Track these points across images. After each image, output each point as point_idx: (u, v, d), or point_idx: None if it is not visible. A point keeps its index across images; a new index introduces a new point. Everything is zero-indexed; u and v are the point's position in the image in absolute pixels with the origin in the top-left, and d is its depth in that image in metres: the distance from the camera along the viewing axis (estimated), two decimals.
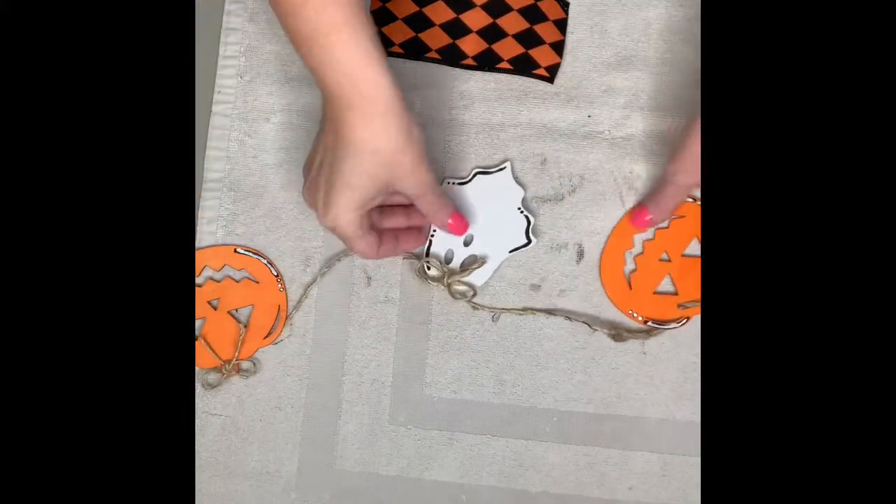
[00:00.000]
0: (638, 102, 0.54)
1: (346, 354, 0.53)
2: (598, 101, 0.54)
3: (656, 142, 0.54)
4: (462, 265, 0.53)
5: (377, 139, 0.43)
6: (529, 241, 0.53)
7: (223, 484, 0.53)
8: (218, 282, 0.54)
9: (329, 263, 0.54)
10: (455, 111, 0.55)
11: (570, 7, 0.55)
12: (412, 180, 0.45)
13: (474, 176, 0.53)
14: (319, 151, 0.46)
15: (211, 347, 0.53)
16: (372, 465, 0.52)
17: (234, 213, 0.55)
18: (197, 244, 0.54)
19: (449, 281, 0.52)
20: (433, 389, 0.53)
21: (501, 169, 0.53)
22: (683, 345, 0.52)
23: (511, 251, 0.53)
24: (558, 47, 0.54)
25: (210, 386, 0.53)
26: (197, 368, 0.53)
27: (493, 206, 0.53)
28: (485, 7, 0.54)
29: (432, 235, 0.53)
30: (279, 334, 0.53)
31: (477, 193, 0.53)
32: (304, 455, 0.53)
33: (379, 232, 0.49)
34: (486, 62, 0.54)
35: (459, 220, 0.51)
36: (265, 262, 0.54)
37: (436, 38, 0.54)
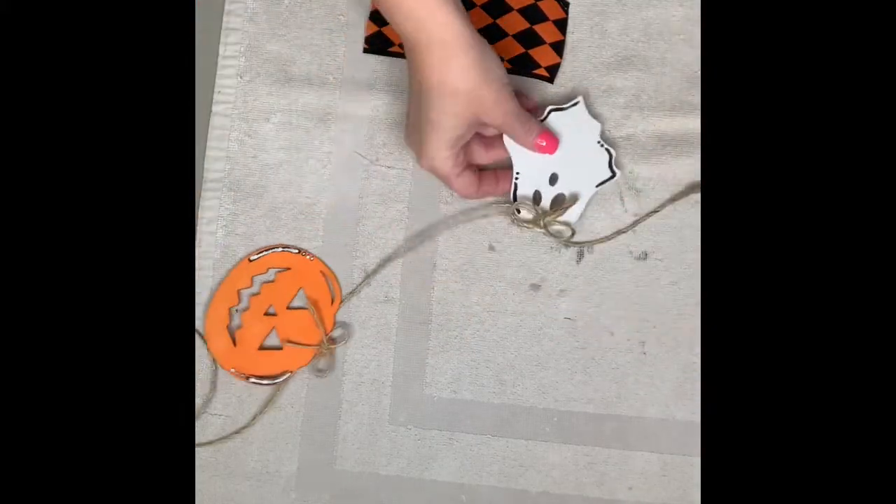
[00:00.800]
0: (638, 102, 0.54)
1: (346, 354, 0.53)
2: (597, 101, 0.54)
3: (656, 142, 0.54)
4: (552, 205, 0.53)
5: (455, 80, 0.45)
6: (614, 174, 0.52)
7: (223, 484, 0.53)
8: (258, 295, 0.54)
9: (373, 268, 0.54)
10: None
11: (570, 7, 0.55)
12: (496, 112, 0.47)
13: (549, 114, 0.53)
14: (412, 99, 0.49)
15: (299, 343, 0.53)
16: (372, 465, 0.52)
17: (234, 213, 0.55)
18: (197, 244, 0.54)
19: (545, 221, 0.52)
20: (433, 389, 0.53)
21: (575, 104, 0.53)
22: (683, 345, 0.52)
23: (598, 185, 0.52)
24: (558, 47, 0.54)
25: (323, 372, 0.53)
26: (301, 367, 0.53)
27: (573, 143, 0.52)
28: (485, 7, 0.54)
29: (517, 178, 0.52)
30: (340, 300, 0.53)
31: (554, 132, 0.53)
32: (304, 455, 0.53)
33: (479, 173, 0.51)
34: None
35: (550, 139, 0.51)
36: (280, 249, 0.54)
37: None
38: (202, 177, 0.55)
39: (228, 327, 0.53)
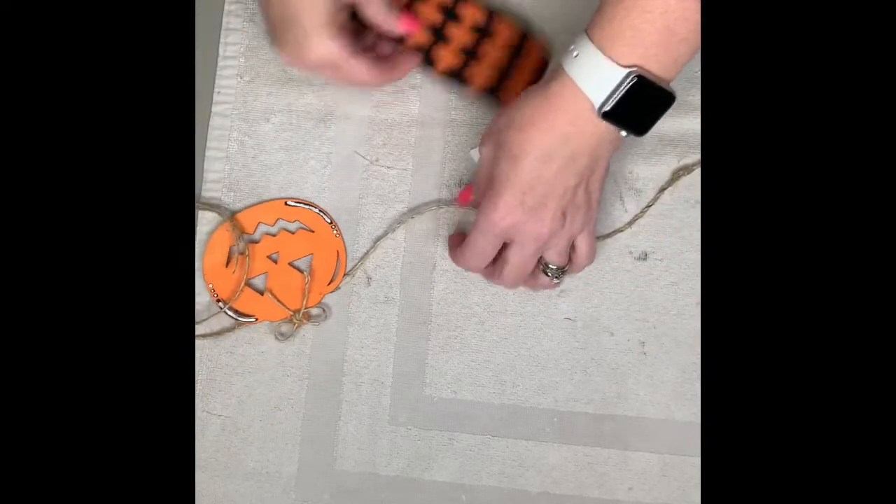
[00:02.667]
0: None
1: (346, 354, 0.53)
2: None
3: (656, 142, 0.54)
4: None
5: None
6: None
7: (223, 484, 0.53)
8: (274, 236, 0.54)
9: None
10: (455, 111, 0.55)
11: (571, 7, 0.55)
12: None
13: None
14: (271, 5, 0.46)
15: (278, 299, 0.53)
16: (372, 465, 0.52)
17: (234, 213, 0.55)
18: (197, 244, 0.54)
19: None
20: (433, 389, 0.53)
21: None
22: (683, 345, 0.52)
23: None
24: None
25: (284, 336, 0.53)
26: (268, 322, 0.53)
27: None
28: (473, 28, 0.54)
29: None
30: (341, 280, 0.53)
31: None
32: (303, 455, 0.53)
33: (373, 54, 0.49)
34: (457, 77, 0.53)
35: (409, 20, 0.50)
36: (317, 210, 0.54)
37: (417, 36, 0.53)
38: (202, 177, 0.55)
39: (231, 248, 0.53)
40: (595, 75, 0.42)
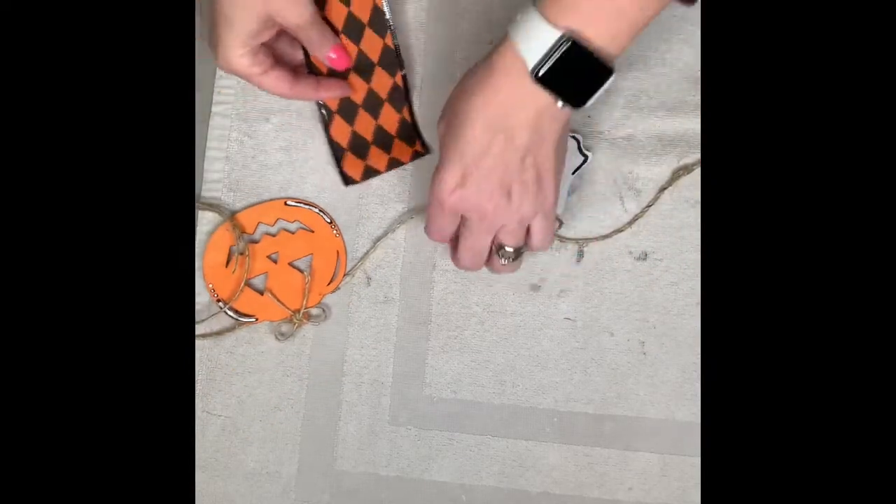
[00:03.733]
0: (638, 102, 0.54)
1: (346, 354, 0.53)
2: (597, 101, 0.54)
3: (656, 142, 0.54)
4: None
5: None
6: (587, 157, 0.52)
7: (223, 484, 0.53)
8: (273, 236, 0.54)
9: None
10: None
11: None
12: (288, 13, 0.46)
13: None
14: (204, 10, 0.47)
15: (278, 299, 0.53)
16: (372, 465, 0.52)
17: (234, 213, 0.55)
18: (197, 244, 0.54)
19: None
20: (433, 390, 0.53)
21: None
22: (683, 345, 0.52)
23: (574, 172, 0.52)
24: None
25: (284, 336, 0.53)
26: (268, 322, 0.53)
27: None
28: (340, 111, 0.53)
29: None
30: (341, 280, 0.53)
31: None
32: (303, 455, 0.53)
33: (294, 70, 0.50)
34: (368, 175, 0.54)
35: (342, 53, 0.50)
36: (317, 210, 0.54)
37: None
38: (202, 177, 0.55)
39: (231, 248, 0.53)
40: (532, 37, 0.41)
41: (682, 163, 0.54)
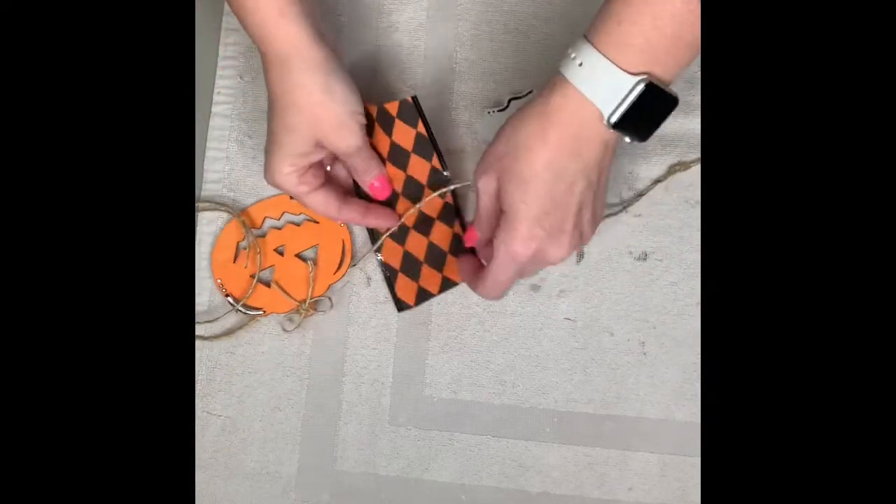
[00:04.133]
0: None
1: (346, 355, 0.53)
2: None
3: (656, 142, 0.54)
4: None
5: (295, 93, 0.45)
6: None
7: (223, 484, 0.53)
8: (280, 229, 0.54)
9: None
10: (455, 112, 0.55)
11: (572, 7, 0.55)
12: (337, 138, 0.46)
13: (509, 102, 0.54)
14: (267, 117, 0.48)
15: (285, 291, 0.53)
16: (372, 465, 0.52)
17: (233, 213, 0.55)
18: (197, 244, 0.54)
19: None
20: (433, 390, 0.53)
21: (530, 92, 0.54)
22: (683, 345, 0.52)
23: None
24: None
25: (292, 324, 0.53)
26: (275, 314, 0.53)
27: None
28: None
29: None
30: (347, 269, 0.54)
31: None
32: (303, 455, 0.53)
33: (345, 194, 0.50)
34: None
35: (384, 183, 0.51)
36: None
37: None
38: (202, 177, 0.55)
39: (238, 244, 0.54)
40: (603, 84, 0.40)
41: (679, 159, 0.54)
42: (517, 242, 0.43)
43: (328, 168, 0.51)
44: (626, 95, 0.40)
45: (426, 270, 0.52)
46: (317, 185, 0.48)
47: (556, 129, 0.41)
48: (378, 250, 0.52)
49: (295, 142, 0.46)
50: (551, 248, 0.43)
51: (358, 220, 0.51)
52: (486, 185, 0.44)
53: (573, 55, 0.41)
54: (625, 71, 0.40)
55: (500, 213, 0.44)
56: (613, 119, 0.41)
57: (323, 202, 0.49)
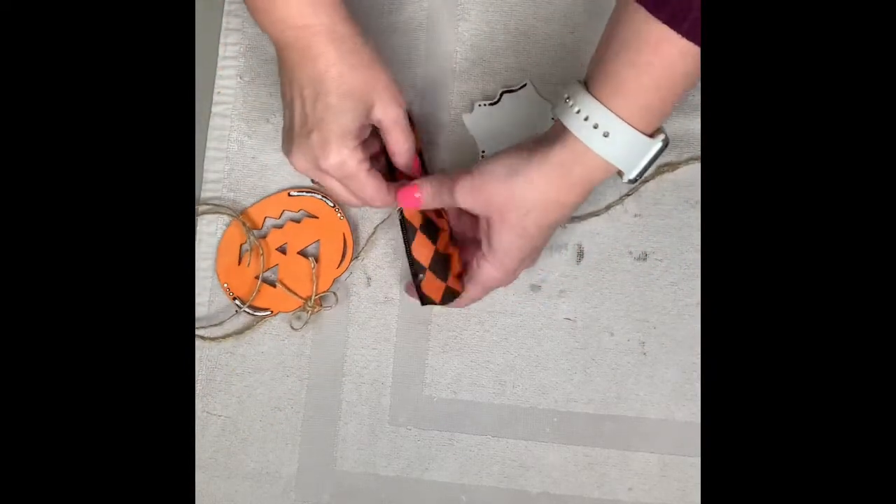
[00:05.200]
0: None
1: (346, 355, 0.53)
2: None
3: None
4: None
5: (339, 66, 0.44)
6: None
7: (223, 484, 0.53)
8: (280, 227, 0.54)
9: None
10: (454, 111, 0.55)
11: (572, 7, 0.55)
12: (387, 104, 0.45)
13: (501, 96, 0.54)
14: (293, 104, 0.46)
15: (290, 289, 0.53)
16: (372, 465, 0.52)
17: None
18: (197, 244, 0.54)
19: None
20: (433, 390, 0.53)
21: (524, 86, 0.54)
22: (683, 345, 0.52)
23: None
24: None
25: (301, 323, 0.53)
26: (282, 313, 0.53)
27: (528, 121, 0.53)
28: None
29: (482, 156, 0.52)
30: (348, 264, 0.54)
31: (508, 113, 0.53)
32: (303, 456, 0.53)
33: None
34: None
35: (417, 166, 0.49)
36: (319, 196, 0.54)
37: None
38: (202, 177, 0.55)
39: (241, 246, 0.54)
40: (629, 150, 0.42)
41: (667, 158, 0.53)
42: (504, 276, 0.47)
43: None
44: (648, 156, 0.42)
45: (455, 270, 0.51)
46: (370, 165, 0.46)
47: (574, 192, 0.43)
48: (408, 244, 0.49)
49: (349, 115, 0.44)
50: (526, 269, 0.49)
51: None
52: (469, 204, 0.46)
53: (592, 122, 0.41)
54: (648, 136, 0.41)
55: (473, 228, 0.48)
56: (632, 177, 0.43)
57: (376, 183, 0.46)
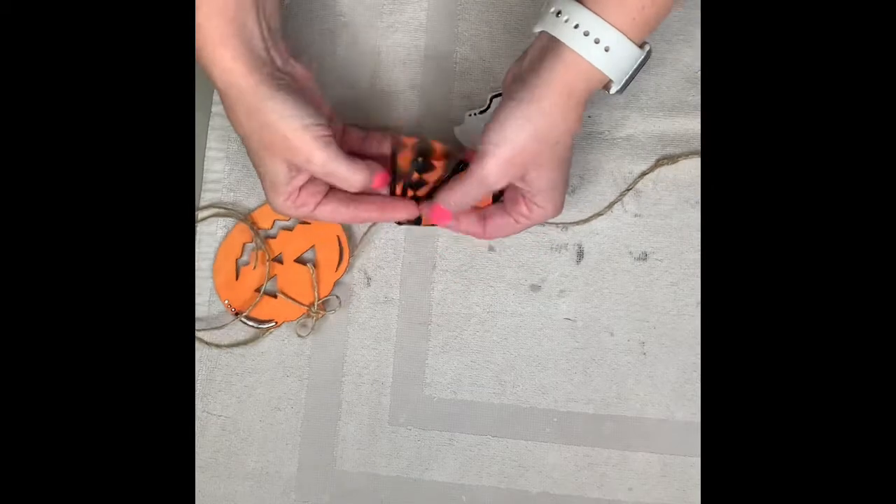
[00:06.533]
0: (638, 102, 0.54)
1: (346, 355, 0.53)
2: (597, 102, 0.54)
3: (656, 142, 0.54)
4: None
5: (245, 126, 0.43)
6: None
7: (223, 484, 0.53)
8: (274, 237, 0.54)
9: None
10: (455, 111, 0.55)
11: None
12: (300, 158, 0.44)
13: (492, 100, 0.53)
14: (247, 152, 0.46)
15: (292, 298, 0.53)
16: (372, 465, 0.52)
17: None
18: (197, 244, 0.54)
19: None
20: (433, 390, 0.53)
21: None
22: (683, 345, 0.52)
23: None
24: None
25: (306, 331, 0.53)
26: (287, 322, 0.53)
27: None
28: None
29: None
30: (346, 265, 0.53)
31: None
32: (303, 456, 0.53)
33: (352, 197, 0.47)
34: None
35: (381, 179, 0.47)
36: None
37: None
38: (202, 177, 0.55)
39: (237, 261, 0.54)
40: (621, 61, 0.42)
41: (666, 151, 0.53)
42: (556, 210, 0.46)
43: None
44: (634, 66, 0.42)
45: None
46: (318, 199, 0.46)
47: (574, 105, 0.43)
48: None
49: (270, 171, 0.45)
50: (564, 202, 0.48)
51: (377, 217, 0.49)
52: (508, 180, 0.45)
53: (582, 29, 0.41)
54: (636, 44, 0.41)
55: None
56: (619, 87, 0.43)
57: (331, 212, 0.47)
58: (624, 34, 0.41)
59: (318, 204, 0.46)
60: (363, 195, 0.48)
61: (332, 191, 0.47)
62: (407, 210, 0.49)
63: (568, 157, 0.45)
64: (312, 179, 0.46)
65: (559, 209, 0.47)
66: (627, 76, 0.43)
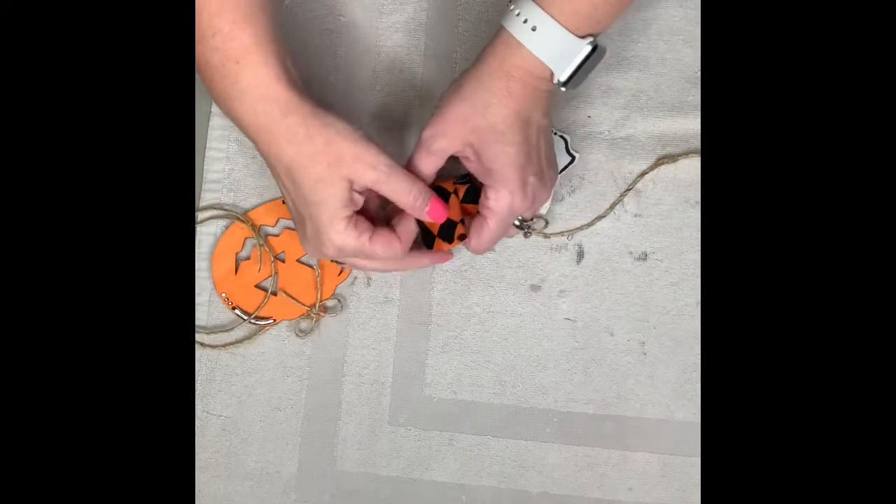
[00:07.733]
0: (638, 102, 0.54)
1: (346, 355, 0.53)
2: (597, 102, 0.54)
3: (656, 142, 0.54)
4: None
5: (303, 147, 0.42)
6: (574, 158, 0.53)
7: (223, 485, 0.53)
8: (277, 236, 0.54)
9: None
10: None
11: None
12: (363, 164, 0.43)
13: None
14: (284, 193, 0.46)
15: (293, 297, 0.53)
16: (372, 465, 0.52)
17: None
18: (197, 245, 0.54)
19: (517, 222, 0.51)
20: (433, 390, 0.53)
21: None
22: (683, 345, 0.52)
23: (560, 171, 0.52)
24: None
25: (304, 333, 0.53)
26: (286, 321, 0.53)
27: None
28: None
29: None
30: (349, 271, 0.54)
31: None
32: (303, 456, 0.53)
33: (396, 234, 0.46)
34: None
35: (437, 206, 0.46)
36: None
37: None
38: (202, 177, 0.55)
39: (237, 255, 0.54)
40: (557, 49, 0.43)
41: (666, 151, 0.54)
42: (516, 194, 0.45)
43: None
44: (576, 58, 0.43)
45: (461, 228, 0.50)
46: (372, 228, 0.45)
47: (518, 84, 0.44)
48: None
49: (331, 196, 0.43)
50: (541, 192, 0.47)
51: (419, 262, 0.49)
52: (447, 146, 0.45)
53: (524, 18, 0.43)
54: (576, 36, 0.43)
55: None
56: (563, 78, 0.44)
57: (386, 244, 0.45)
58: (556, 20, 0.42)
59: (374, 234, 0.45)
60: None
61: (378, 224, 0.46)
62: (443, 256, 0.51)
63: (519, 142, 0.44)
64: (362, 213, 0.45)
65: (525, 197, 0.46)
66: (572, 68, 0.43)
